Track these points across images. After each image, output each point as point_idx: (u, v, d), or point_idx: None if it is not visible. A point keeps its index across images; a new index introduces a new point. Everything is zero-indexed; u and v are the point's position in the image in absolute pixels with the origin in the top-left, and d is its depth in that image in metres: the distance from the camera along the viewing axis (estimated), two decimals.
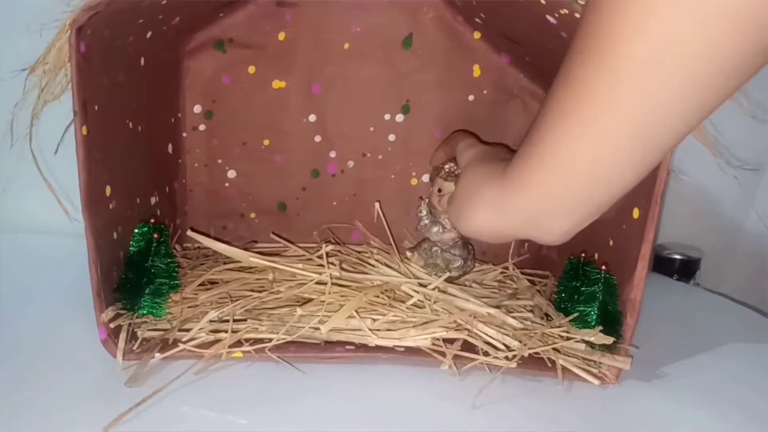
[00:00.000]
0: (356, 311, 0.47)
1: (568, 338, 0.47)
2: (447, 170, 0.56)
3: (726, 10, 0.25)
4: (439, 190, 0.57)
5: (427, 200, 0.59)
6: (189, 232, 0.53)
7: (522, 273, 0.62)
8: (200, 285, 0.52)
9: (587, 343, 0.46)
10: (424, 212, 0.59)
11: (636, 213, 0.44)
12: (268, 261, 0.52)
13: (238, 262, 0.55)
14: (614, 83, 0.29)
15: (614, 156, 0.32)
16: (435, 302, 0.50)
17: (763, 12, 0.25)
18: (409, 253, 0.60)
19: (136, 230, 0.47)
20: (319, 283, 0.51)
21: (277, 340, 0.44)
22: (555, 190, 0.35)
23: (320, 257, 0.54)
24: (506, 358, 0.45)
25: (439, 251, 0.58)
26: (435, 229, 0.57)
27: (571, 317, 0.48)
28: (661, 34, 0.27)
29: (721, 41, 0.26)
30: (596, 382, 0.44)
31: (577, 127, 0.32)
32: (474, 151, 0.48)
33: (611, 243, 0.48)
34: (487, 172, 0.42)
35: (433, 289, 0.52)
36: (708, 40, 0.26)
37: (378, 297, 0.50)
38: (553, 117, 0.34)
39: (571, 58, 0.32)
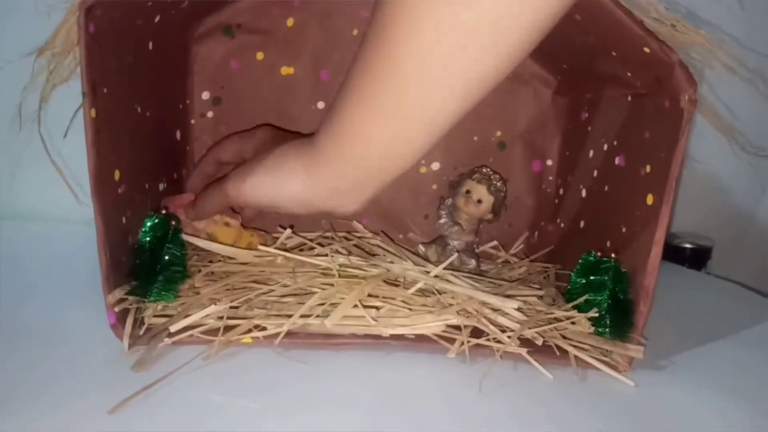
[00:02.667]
0: (360, 301, 0.46)
1: (573, 322, 0.46)
2: (481, 173, 0.58)
3: (483, 27, 0.33)
4: (468, 192, 0.57)
5: (449, 200, 0.59)
6: (183, 236, 0.51)
7: (530, 261, 0.62)
8: (205, 275, 0.51)
9: (598, 332, 0.46)
10: (444, 212, 0.59)
11: (650, 199, 0.44)
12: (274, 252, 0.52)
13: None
14: (397, 72, 0.35)
15: (402, 136, 0.38)
16: (442, 293, 0.49)
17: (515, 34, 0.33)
18: (422, 248, 0.59)
19: (147, 220, 0.47)
20: (326, 272, 0.51)
21: (291, 325, 0.44)
22: (354, 168, 0.41)
23: (322, 246, 0.54)
24: (508, 337, 0.44)
25: (454, 251, 0.58)
26: (455, 229, 0.58)
27: (578, 301, 0.48)
28: (431, 37, 0.34)
29: (478, 55, 0.34)
30: (608, 370, 0.44)
31: (370, 113, 0.38)
32: (270, 134, 0.54)
33: (624, 230, 0.47)
34: (295, 146, 0.45)
35: (437, 275, 0.51)
36: (471, 54, 0.34)
37: (381, 286, 0.49)
38: (350, 101, 0.39)
39: (365, 44, 0.37)
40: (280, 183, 0.45)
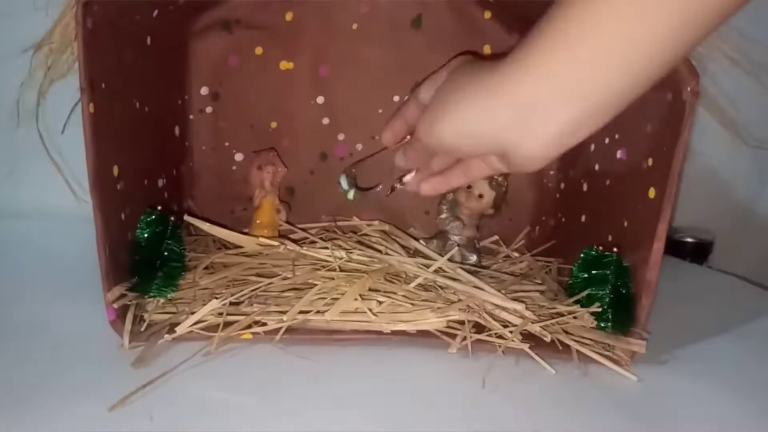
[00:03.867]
0: (361, 295, 0.46)
1: (575, 316, 0.46)
2: None
3: None
4: (469, 187, 0.57)
5: (450, 195, 0.59)
6: (186, 217, 0.52)
7: (531, 256, 0.62)
8: (204, 269, 0.51)
9: (600, 327, 0.46)
10: (446, 207, 0.59)
11: (652, 193, 0.43)
12: (273, 242, 0.52)
13: (242, 246, 0.55)
14: None
15: (607, 67, 0.31)
16: (443, 288, 0.49)
17: None
18: (423, 243, 0.59)
19: (143, 216, 0.47)
20: (328, 266, 0.51)
21: (292, 319, 0.44)
22: (561, 66, 0.32)
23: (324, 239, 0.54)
24: (510, 332, 0.44)
25: (455, 246, 0.57)
26: (456, 224, 0.58)
27: (580, 295, 0.48)
28: None
29: None
30: (610, 365, 0.44)
31: (581, 32, 0.31)
32: (461, 60, 0.44)
33: (626, 224, 0.47)
34: (475, 70, 0.37)
35: (438, 269, 0.51)
36: None
37: (381, 280, 0.49)
38: (563, 14, 0.32)
39: None
40: (464, 110, 0.37)
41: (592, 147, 0.55)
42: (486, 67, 0.36)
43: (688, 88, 0.40)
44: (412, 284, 0.48)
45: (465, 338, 0.44)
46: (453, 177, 0.46)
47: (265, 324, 0.44)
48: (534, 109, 0.33)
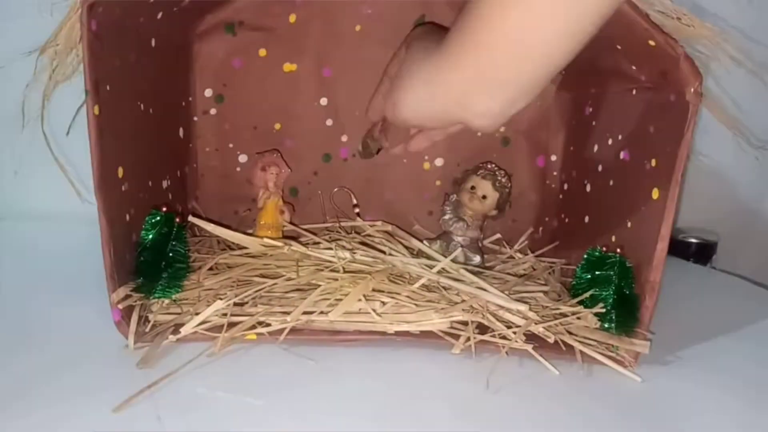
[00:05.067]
0: (364, 296, 0.46)
1: (579, 317, 0.46)
2: (486, 169, 0.58)
3: None
4: (472, 188, 0.57)
5: (454, 196, 0.59)
6: (190, 218, 0.52)
7: (535, 257, 0.62)
8: (208, 270, 0.51)
9: (604, 327, 0.46)
10: (449, 207, 0.59)
11: (656, 193, 0.43)
12: (277, 243, 0.52)
13: (246, 247, 0.55)
14: None
15: (541, 26, 0.33)
16: (447, 289, 0.49)
17: None
18: (427, 243, 0.59)
19: (148, 218, 0.47)
20: (331, 267, 0.51)
21: (296, 320, 0.44)
22: (485, 64, 0.36)
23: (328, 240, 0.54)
24: (513, 333, 0.44)
25: (458, 247, 0.57)
26: (459, 225, 0.58)
27: (584, 296, 0.48)
28: None
29: None
30: (614, 365, 0.44)
31: (504, 3, 0.34)
32: (416, 33, 0.49)
33: (629, 225, 0.47)
34: (424, 52, 0.41)
35: (441, 270, 0.51)
36: None
37: (385, 281, 0.49)
38: None
39: None
40: (414, 95, 0.41)
41: (596, 148, 0.55)
42: (430, 51, 0.40)
43: (692, 89, 0.40)
44: (416, 285, 0.48)
45: (468, 339, 0.44)
46: (433, 133, 0.53)
47: (269, 325, 0.44)
48: (472, 95, 0.38)
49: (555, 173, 0.65)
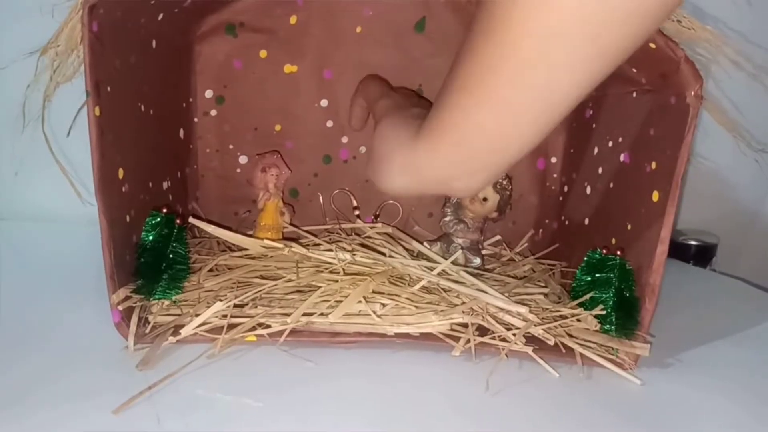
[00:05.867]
0: (364, 297, 0.46)
1: (579, 319, 0.46)
2: None
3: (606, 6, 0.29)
4: None
5: (455, 198, 0.59)
6: (190, 219, 0.52)
7: (535, 259, 0.62)
8: (208, 271, 0.51)
9: (604, 330, 0.46)
10: (450, 210, 0.59)
11: (656, 196, 0.43)
12: (277, 245, 0.52)
13: (246, 249, 0.55)
14: (513, 57, 0.32)
15: (515, 123, 0.35)
16: (447, 291, 0.49)
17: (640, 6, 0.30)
18: (427, 245, 0.59)
19: (148, 219, 0.47)
20: (332, 269, 0.51)
21: (296, 322, 0.44)
22: (461, 157, 0.38)
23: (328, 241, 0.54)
24: (513, 335, 0.44)
25: (459, 249, 0.58)
26: (460, 227, 0.58)
27: (584, 298, 0.48)
28: (552, 19, 0.30)
29: (603, 30, 0.30)
30: (614, 368, 0.44)
31: (481, 99, 0.34)
32: (386, 103, 0.50)
33: (629, 227, 0.47)
34: (399, 136, 0.43)
35: (442, 272, 0.51)
36: (591, 29, 0.30)
37: (385, 283, 0.49)
38: (459, 88, 0.35)
39: (474, 32, 0.34)
40: (391, 179, 0.43)
41: (596, 150, 0.55)
42: (402, 133, 0.42)
43: (692, 92, 0.40)
44: (416, 287, 0.48)
45: (468, 341, 0.44)
46: None
47: (269, 326, 0.44)
48: (450, 180, 0.40)
49: (555, 175, 0.65)
